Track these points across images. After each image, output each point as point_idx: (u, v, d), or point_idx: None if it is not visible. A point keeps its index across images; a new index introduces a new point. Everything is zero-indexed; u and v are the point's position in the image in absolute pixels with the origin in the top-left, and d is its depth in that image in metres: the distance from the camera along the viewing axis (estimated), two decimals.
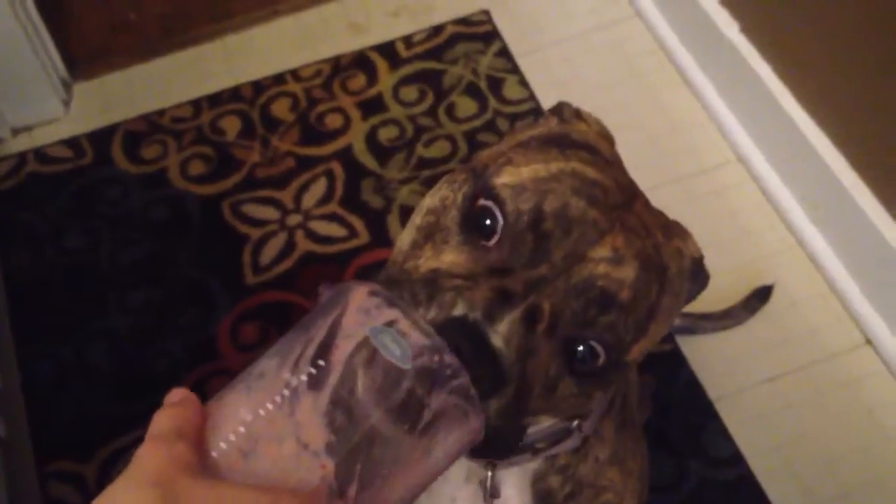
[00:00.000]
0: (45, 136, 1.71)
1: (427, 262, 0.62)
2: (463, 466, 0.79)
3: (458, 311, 0.56)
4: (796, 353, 1.39)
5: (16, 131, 1.71)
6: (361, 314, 0.53)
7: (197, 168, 1.65)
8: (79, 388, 1.42)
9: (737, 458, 1.30)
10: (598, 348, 0.61)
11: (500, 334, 0.56)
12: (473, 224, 0.62)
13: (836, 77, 1.39)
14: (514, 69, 1.73)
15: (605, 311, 0.60)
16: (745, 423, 1.34)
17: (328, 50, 1.79)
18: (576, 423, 0.75)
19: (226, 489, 0.48)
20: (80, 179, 1.64)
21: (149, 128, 1.71)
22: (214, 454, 0.50)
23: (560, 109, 0.74)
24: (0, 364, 1.39)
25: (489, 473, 0.77)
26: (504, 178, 0.63)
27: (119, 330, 1.47)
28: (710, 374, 1.37)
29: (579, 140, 0.69)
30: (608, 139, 0.74)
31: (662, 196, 1.49)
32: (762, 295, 1.42)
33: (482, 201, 0.62)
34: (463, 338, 0.55)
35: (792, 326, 1.41)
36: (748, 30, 1.54)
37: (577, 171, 0.63)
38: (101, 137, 1.70)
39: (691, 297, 0.71)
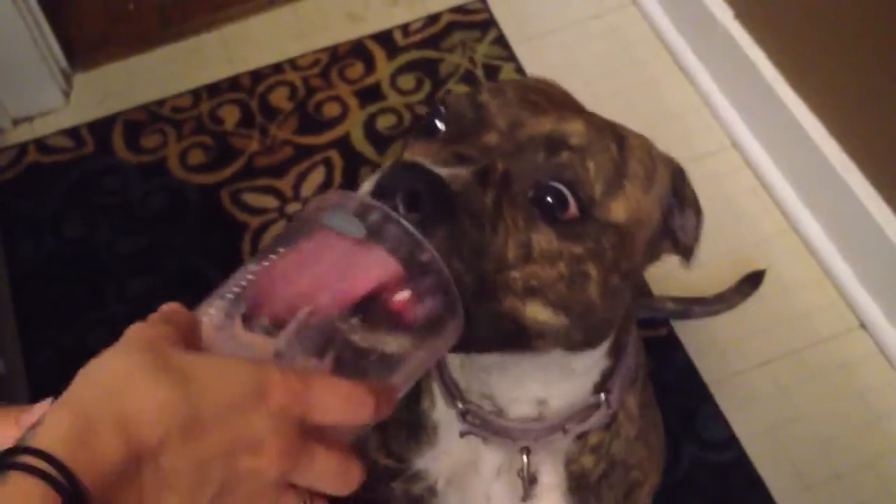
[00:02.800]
0: (45, 127, 1.72)
1: None
2: (494, 461, 0.80)
3: (406, 160, 0.57)
4: (790, 336, 1.41)
5: (16, 122, 1.73)
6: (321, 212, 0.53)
7: (196, 157, 1.67)
8: None
9: (731, 441, 1.32)
10: (563, 189, 0.59)
11: (447, 173, 0.56)
12: (424, 128, 0.65)
13: (829, 62, 1.39)
14: (511, 57, 1.74)
15: (555, 151, 0.59)
16: (739, 406, 1.35)
17: (326, 39, 1.80)
18: (602, 395, 0.75)
19: (215, 357, 0.48)
20: (81, 169, 1.66)
21: (148, 117, 1.73)
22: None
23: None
24: (4, 350, 1.40)
25: (525, 458, 0.77)
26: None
27: (118, 318, 1.49)
28: (704, 357, 1.39)
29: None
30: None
31: None
32: (754, 280, 1.43)
33: (428, 112, 0.65)
34: (400, 170, 0.55)
35: (786, 310, 1.43)
36: (742, 16, 1.55)
37: (517, 78, 0.68)
38: (101, 127, 1.72)
39: (690, 232, 0.70)
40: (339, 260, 0.51)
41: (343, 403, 0.48)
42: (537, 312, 0.60)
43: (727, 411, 1.34)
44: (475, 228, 0.56)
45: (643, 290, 1.42)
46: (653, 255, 0.69)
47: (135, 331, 0.49)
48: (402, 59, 1.77)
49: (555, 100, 0.66)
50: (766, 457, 1.31)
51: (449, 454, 0.82)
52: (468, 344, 0.58)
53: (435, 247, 0.52)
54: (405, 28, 1.80)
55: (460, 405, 0.75)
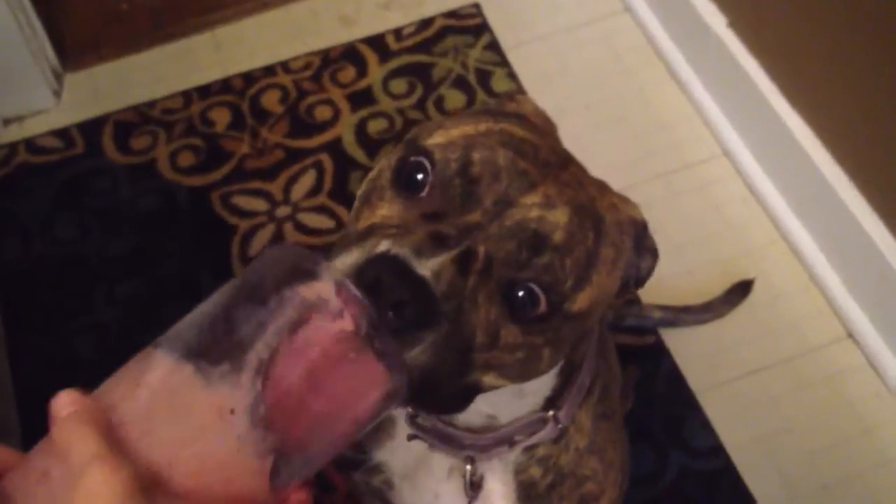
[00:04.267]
0: (35, 127, 1.72)
1: (365, 221, 0.63)
2: (446, 461, 0.80)
3: (382, 248, 0.56)
4: (779, 346, 1.40)
5: (7, 122, 1.72)
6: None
7: (186, 159, 1.66)
8: (67, 379, 1.43)
9: (717, 450, 1.32)
10: (537, 290, 0.60)
11: (429, 268, 0.56)
12: (405, 180, 0.63)
13: (822, 72, 1.39)
14: (503, 62, 1.73)
15: (538, 252, 0.60)
16: (726, 415, 1.35)
17: (318, 42, 1.80)
18: (551, 412, 0.76)
19: None
20: (71, 170, 1.65)
21: (139, 119, 1.72)
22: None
23: (499, 96, 0.76)
24: None
25: (468, 467, 0.78)
26: (434, 139, 0.64)
27: (106, 322, 1.48)
28: (692, 366, 1.39)
29: (512, 111, 0.71)
30: (547, 122, 0.75)
31: (648, 190, 1.52)
32: (743, 289, 1.43)
33: (412, 158, 0.63)
34: (385, 269, 0.55)
35: (775, 319, 1.43)
36: (736, 24, 1.55)
37: (505, 129, 0.64)
38: (91, 128, 1.71)
39: (644, 272, 0.71)
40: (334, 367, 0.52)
41: None
42: (490, 380, 0.63)
43: (714, 420, 1.34)
44: (453, 325, 0.57)
45: (630, 299, 1.42)
46: (607, 309, 0.72)
47: (100, 486, 0.46)
48: (395, 63, 1.76)
49: (541, 158, 0.64)
50: (753, 466, 1.31)
51: (406, 448, 0.82)
52: (419, 405, 0.62)
53: (418, 351, 0.55)
54: (398, 32, 1.80)
55: (409, 409, 0.76)
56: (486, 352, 0.60)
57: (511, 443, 0.77)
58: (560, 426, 0.77)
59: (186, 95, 1.75)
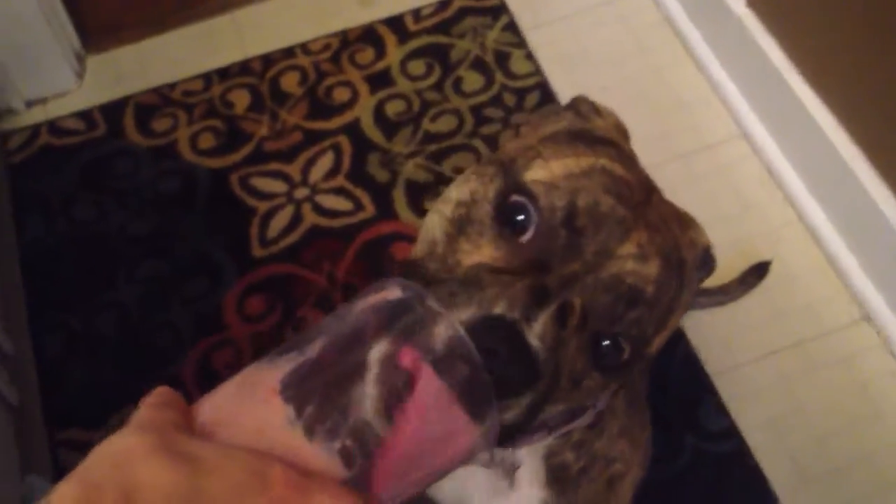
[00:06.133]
0: (58, 109, 1.74)
1: (468, 256, 0.62)
2: None
3: (498, 311, 0.56)
4: (794, 328, 1.40)
5: (29, 103, 1.74)
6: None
7: (207, 141, 1.67)
8: (88, 357, 1.46)
9: (732, 433, 1.32)
10: (624, 343, 0.61)
11: (536, 333, 0.56)
12: (507, 219, 0.62)
13: (840, 53, 1.38)
14: (521, 43, 1.73)
15: (632, 306, 0.60)
16: (741, 397, 1.35)
17: (337, 23, 1.80)
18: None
19: (220, 445, 0.49)
20: (92, 152, 1.67)
21: (160, 101, 1.74)
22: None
23: (577, 104, 0.74)
24: (13, 332, 1.42)
25: (507, 452, 0.79)
26: (536, 174, 0.63)
27: (127, 301, 1.50)
28: (707, 348, 1.39)
29: (602, 136, 0.70)
30: (624, 133, 0.75)
31: (667, 171, 1.52)
32: (759, 271, 1.43)
33: (515, 197, 0.62)
34: (501, 338, 0.55)
35: (791, 301, 1.43)
36: (755, 4, 1.54)
37: (605, 168, 0.64)
38: (113, 110, 1.73)
39: (699, 283, 0.72)
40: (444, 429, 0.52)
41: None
42: (554, 409, 0.64)
43: (729, 403, 1.34)
44: (550, 382, 0.58)
45: None
46: None
47: (143, 413, 0.50)
48: (413, 44, 1.77)
49: (634, 199, 0.64)
50: (767, 449, 1.31)
51: None
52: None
53: (512, 414, 0.57)
54: (416, 13, 1.80)
55: None
56: (566, 395, 0.62)
57: (550, 429, 0.77)
58: (597, 411, 0.79)
59: (207, 78, 1.76)
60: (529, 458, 0.81)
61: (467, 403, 0.51)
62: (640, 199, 0.64)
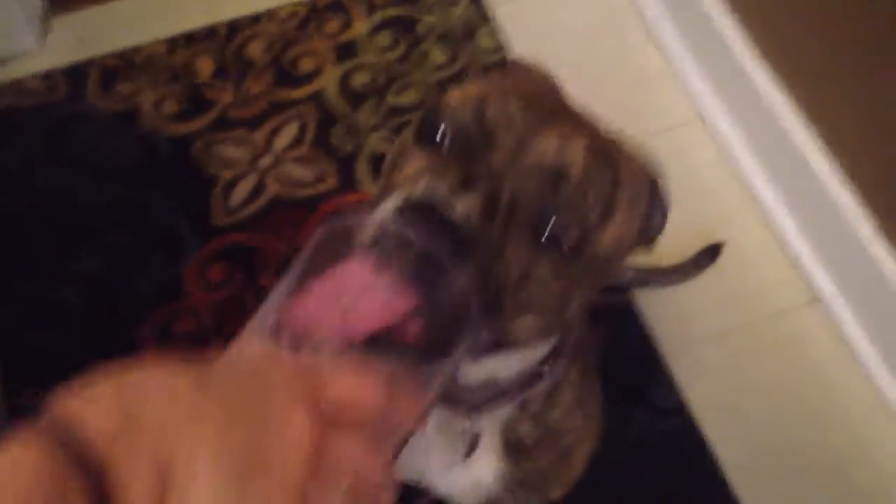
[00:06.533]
0: (19, 69, 1.72)
1: (400, 176, 0.65)
2: (434, 418, 0.82)
3: (419, 190, 0.58)
4: (746, 309, 1.43)
5: None
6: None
7: (170, 107, 1.67)
8: (47, 326, 1.46)
9: (681, 410, 1.35)
10: (563, 224, 0.62)
11: (459, 212, 0.58)
12: (425, 136, 0.66)
13: (800, 36, 1.40)
14: (486, 19, 1.74)
15: (559, 188, 0.62)
16: (692, 376, 1.38)
17: None
18: (546, 366, 0.78)
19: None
20: (53, 114, 1.66)
21: (124, 65, 1.73)
22: None
23: (511, 65, 0.77)
24: None
25: (467, 423, 0.80)
26: (451, 96, 0.66)
27: (87, 270, 1.50)
28: (661, 327, 1.41)
29: (521, 71, 0.75)
30: (552, 80, 0.77)
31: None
32: (713, 252, 1.45)
33: (431, 116, 0.66)
34: (420, 216, 0.57)
35: (743, 282, 1.46)
36: None
37: (516, 83, 0.67)
38: (75, 72, 1.72)
39: (655, 227, 0.73)
40: (361, 289, 0.53)
41: (354, 377, 0.47)
42: (524, 326, 0.64)
43: (680, 381, 1.37)
44: (484, 261, 0.59)
45: None
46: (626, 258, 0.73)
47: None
48: (380, 15, 1.77)
49: (552, 107, 0.67)
50: (717, 427, 1.34)
51: None
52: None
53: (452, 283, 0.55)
54: None
55: None
56: (519, 288, 0.62)
57: (507, 396, 0.78)
58: (554, 381, 0.80)
59: (172, 42, 1.75)
60: (488, 429, 0.82)
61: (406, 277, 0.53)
62: (561, 108, 0.67)
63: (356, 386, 0.47)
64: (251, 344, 0.52)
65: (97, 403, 0.44)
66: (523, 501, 0.92)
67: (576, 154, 0.63)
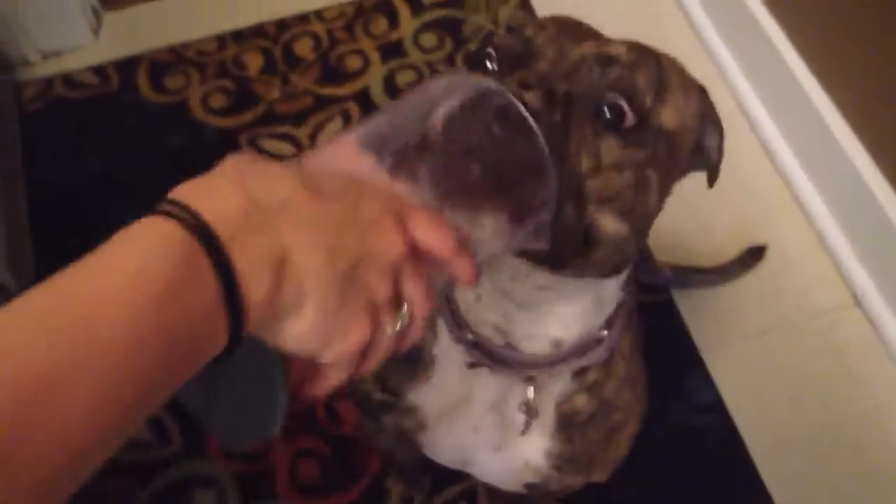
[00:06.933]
0: (72, 62, 1.76)
1: None
2: (488, 395, 0.82)
3: (488, 84, 0.59)
4: (785, 309, 1.43)
5: (45, 55, 1.76)
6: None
7: (218, 101, 1.70)
8: None
9: (717, 406, 1.34)
10: (620, 101, 0.63)
11: (528, 100, 0.60)
12: (475, 65, 0.67)
13: (840, 38, 1.40)
14: (531, 15, 1.75)
15: (607, 68, 0.63)
16: (729, 374, 1.37)
17: None
18: (605, 332, 0.78)
19: (347, 182, 0.53)
20: (104, 105, 1.69)
21: (174, 59, 1.76)
22: None
23: None
24: (18, 271, 1.44)
25: (530, 388, 0.79)
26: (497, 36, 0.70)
27: None
28: (699, 325, 1.41)
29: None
30: None
31: None
32: (756, 254, 1.45)
33: (478, 49, 0.69)
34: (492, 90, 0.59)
35: (783, 283, 1.45)
36: None
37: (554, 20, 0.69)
38: (127, 66, 1.75)
39: (713, 148, 0.73)
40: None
41: (430, 222, 0.53)
42: (607, 220, 0.64)
43: (717, 378, 1.36)
44: (554, 140, 0.60)
45: (644, 255, 1.45)
46: (690, 166, 0.73)
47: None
48: (427, 16, 1.79)
49: (591, 33, 0.69)
50: (750, 424, 1.33)
51: (442, 388, 0.84)
52: (542, 251, 0.62)
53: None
54: None
55: (470, 336, 0.77)
56: (595, 176, 0.62)
57: (566, 361, 0.78)
58: (611, 346, 0.79)
59: (221, 39, 1.78)
60: (544, 403, 0.82)
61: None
62: (598, 35, 0.68)
63: (432, 233, 0.53)
64: (347, 151, 0.54)
65: (220, 189, 0.48)
66: (568, 482, 0.91)
67: (617, 47, 0.65)
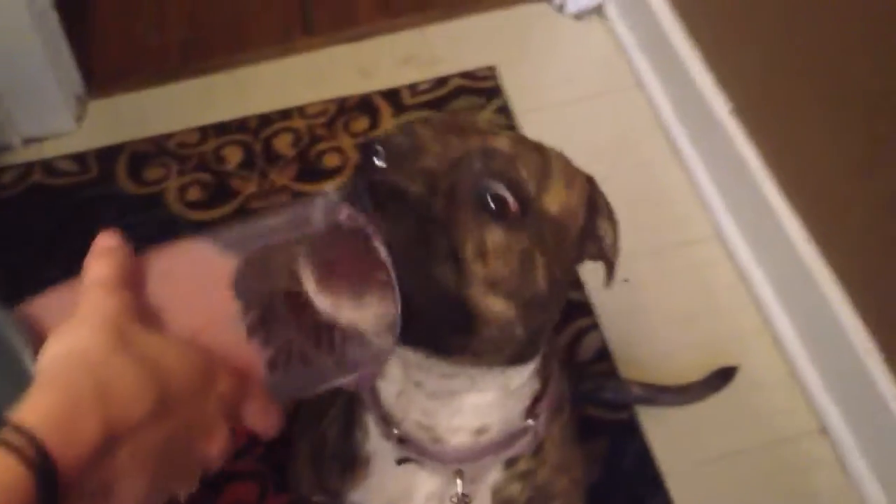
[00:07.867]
0: (53, 149, 1.76)
1: None
2: (427, 488, 0.83)
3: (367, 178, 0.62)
4: (750, 433, 1.41)
5: (27, 141, 1.77)
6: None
7: (194, 194, 1.70)
8: None
9: None
10: (502, 191, 0.65)
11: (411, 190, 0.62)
12: (364, 164, 0.69)
13: (817, 167, 1.40)
14: (512, 126, 1.76)
15: (490, 160, 0.66)
16: (691, 498, 1.35)
17: (335, 91, 1.84)
18: (530, 421, 0.80)
19: (172, 345, 0.53)
20: (81, 194, 1.70)
21: (155, 150, 1.76)
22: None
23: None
24: None
25: (459, 481, 0.81)
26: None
27: None
28: (662, 446, 1.39)
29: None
30: None
31: (641, 263, 1.53)
32: (726, 375, 1.43)
33: (365, 144, 0.70)
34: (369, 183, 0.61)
35: (750, 407, 1.43)
36: (740, 111, 1.56)
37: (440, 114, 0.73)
38: (107, 155, 1.76)
39: (606, 237, 0.75)
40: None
41: (262, 412, 0.56)
42: (493, 302, 0.66)
43: (678, 502, 1.34)
44: (432, 229, 0.62)
45: (610, 373, 1.44)
46: (582, 252, 0.76)
47: (96, 303, 0.53)
48: (407, 117, 1.80)
49: (477, 128, 0.71)
50: None
51: (381, 485, 0.85)
52: (419, 335, 0.64)
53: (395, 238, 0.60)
54: (413, 88, 1.84)
55: (396, 432, 0.79)
56: (479, 260, 0.64)
57: (495, 452, 0.80)
58: (539, 436, 0.81)
59: (203, 131, 1.79)
60: (479, 492, 0.83)
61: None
62: (482, 128, 0.71)
63: (261, 420, 0.57)
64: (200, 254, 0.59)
65: (80, 410, 0.48)
66: None
67: (501, 141, 0.68)
